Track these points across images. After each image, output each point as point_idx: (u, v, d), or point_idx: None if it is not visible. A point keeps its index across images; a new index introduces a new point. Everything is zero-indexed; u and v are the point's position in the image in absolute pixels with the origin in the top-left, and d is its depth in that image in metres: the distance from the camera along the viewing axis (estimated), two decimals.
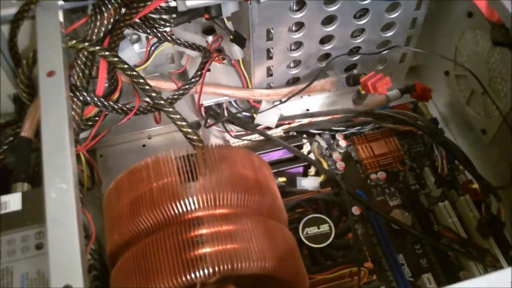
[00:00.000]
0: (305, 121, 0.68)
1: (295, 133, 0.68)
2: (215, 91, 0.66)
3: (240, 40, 0.62)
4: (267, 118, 0.68)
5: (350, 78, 0.65)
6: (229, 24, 0.62)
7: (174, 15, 0.59)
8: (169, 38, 0.62)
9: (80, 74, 0.57)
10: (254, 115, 0.68)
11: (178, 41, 0.62)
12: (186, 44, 0.63)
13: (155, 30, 0.61)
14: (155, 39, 0.63)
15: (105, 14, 0.56)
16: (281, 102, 0.68)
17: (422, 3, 0.64)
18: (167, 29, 0.63)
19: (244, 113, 0.69)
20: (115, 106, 0.60)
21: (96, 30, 0.56)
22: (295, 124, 0.68)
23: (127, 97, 0.64)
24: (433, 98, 0.73)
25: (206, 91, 0.65)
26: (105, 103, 0.59)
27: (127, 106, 0.61)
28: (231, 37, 0.62)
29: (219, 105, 0.68)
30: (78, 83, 0.56)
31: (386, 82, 0.61)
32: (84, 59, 0.57)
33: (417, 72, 0.77)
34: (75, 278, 0.37)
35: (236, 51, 0.65)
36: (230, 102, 0.69)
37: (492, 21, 0.55)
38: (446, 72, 0.69)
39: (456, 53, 0.65)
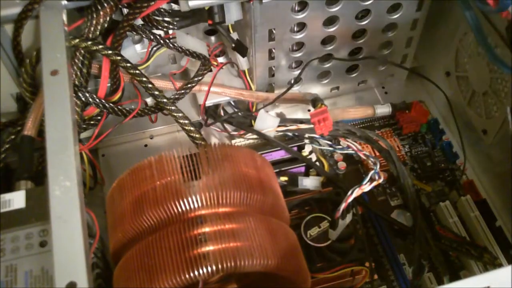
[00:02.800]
0: (294, 127, 0.66)
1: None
2: (218, 91, 0.66)
3: (241, 49, 0.62)
4: (265, 123, 0.67)
5: (313, 101, 0.64)
6: (234, 35, 0.63)
7: (177, 19, 0.60)
8: (170, 45, 0.62)
9: (78, 73, 0.57)
10: (252, 121, 0.68)
11: (179, 49, 0.63)
12: (187, 52, 0.63)
13: (157, 36, 0.61)
14: None
15: (101, 13, 0.56)
16: (264, 106, 0.68)
17: (423, 4, 0.65)
18: (170, 31, 0.63)
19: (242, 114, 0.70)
20: (115, 108, 0.60)
21: (92, 28, 0.56)
22: (285, 128, 0.67)
23: (129, 97, 0.65)
24: (434, 99, 0.74)
25: (212, 90, 0.65)
26: (106, 104, 0.59)
27: (127, 108, 0.61)
28: (233, 45, 0.62)
29: (219, 105, 0.69)
30: (76, 82, 0.57)
31: (327, 126, 0.61)
32: (81, 58, 0.57)
33: (418, 73, 0.77)
34: (79, 275, 0.37)
35: (241, 62, 0.65)
36: (229, 103, 0.70)
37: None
38: (447, 72, 0.69)
39: (457, 54, 0.66)
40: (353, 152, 0.64)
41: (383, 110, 0.69)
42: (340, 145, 0.67)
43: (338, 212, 0.54)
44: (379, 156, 0.65)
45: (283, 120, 0.68)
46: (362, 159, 0.67)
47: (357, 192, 0.55)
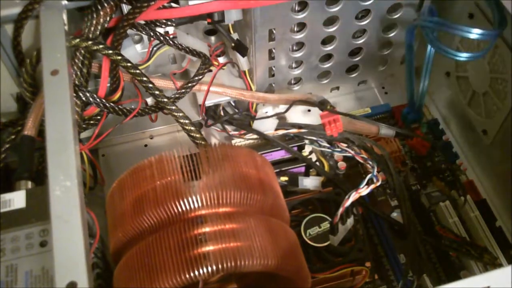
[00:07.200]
0: (293, 130, 0.66)
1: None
2: (219, 91, 0.66)
3: (241, 48, 0.62)
4: (263, 125, 0.67)
5: (321, 104, 0.64)
6: (234, 35, 0.63)
7: None
8: (170, 42, 0.62)
9: (78, 73, 0.57)
10: (251, 122, 0.68)
11: (179, 46, 0.63)
12: (187, 49, 0.63)
13: (157, 33, 0.61)
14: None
15: (101, 12, 0.56)
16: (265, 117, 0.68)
17: (423, 4, 0.64)
18: (171, 30, 0.63)
19: (244, 113, 0.70)
20: (116, 108, 0.60)
21: (92, 28, 0.56)
22: (285, 131, 0.67)
23: (129, 97, 0.64)
24: (434, 99, 0.74)
25: (211, 90, 0.65)
26: (106, 104, 0.59)
27: (127, 108, 0.61)
28: (233, 45, 0.62)
29: (219, 105, 0.69)
30: (76, 82, 0.57)
31: (338, 127, 0.62)
32: (82, 58, 0.57)
33: (418, 73, 0.77)
34: (79, 275, 0.37)
35: (242, 62, 0.65)
36: (229, 103, 0.70)
37: None
38: (447, 73, 0.69)
39: None
40: (350, 155, 0.64)
41: (387, 132, 0.68)
42: (339, 147, 0.67)
43: (336, 217, 0.53)
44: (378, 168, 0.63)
45: (283, 124, 0.68)
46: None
47: (354, 196, 0.55)
